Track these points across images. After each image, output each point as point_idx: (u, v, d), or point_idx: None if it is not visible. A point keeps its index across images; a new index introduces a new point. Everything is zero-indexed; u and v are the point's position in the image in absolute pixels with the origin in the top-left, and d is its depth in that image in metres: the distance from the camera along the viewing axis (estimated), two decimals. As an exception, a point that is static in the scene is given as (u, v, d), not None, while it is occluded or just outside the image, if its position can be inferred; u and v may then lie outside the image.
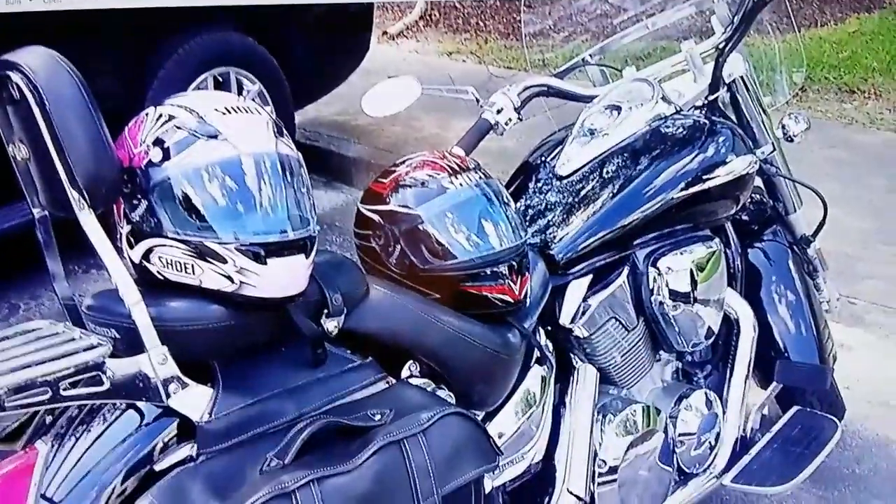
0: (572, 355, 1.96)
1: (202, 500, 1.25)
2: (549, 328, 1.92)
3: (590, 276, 1.95)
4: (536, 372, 1.86)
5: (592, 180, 1.98)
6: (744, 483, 2.17)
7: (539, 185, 2.02)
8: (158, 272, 1.36)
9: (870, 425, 2.87)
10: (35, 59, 1.30)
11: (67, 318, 1.41)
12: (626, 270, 1.98)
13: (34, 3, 3.17)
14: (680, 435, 2.08)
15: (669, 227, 2.03)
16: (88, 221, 1.29)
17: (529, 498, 1.89)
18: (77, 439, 1.31)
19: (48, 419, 1.37)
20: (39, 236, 1.42)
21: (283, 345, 1.46)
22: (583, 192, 1.97)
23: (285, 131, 1.44)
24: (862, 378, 3.04)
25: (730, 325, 2.24)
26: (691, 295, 2.00)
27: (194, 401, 1.32)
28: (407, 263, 1.68)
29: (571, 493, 1.89)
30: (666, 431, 2.03)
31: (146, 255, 1.35)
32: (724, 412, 2.19)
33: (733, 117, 2.30)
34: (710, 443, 2.15)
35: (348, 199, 4.68)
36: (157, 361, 1.27)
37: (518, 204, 1.96)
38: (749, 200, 2.29)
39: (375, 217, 1.72)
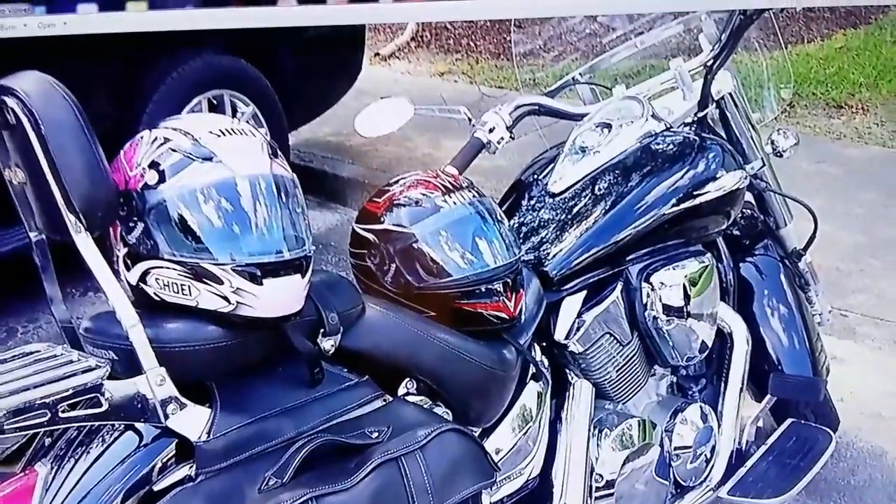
0: (568, 371, 1.96)
1: (201, 520, 1.25)
2: (545, 344, 1.93)
3: (584, 292, 1.96)
4: (532, 388, 1.86)
5: (585, 197, 1.99)
6: (740, 495, 2.18)
7: (532, 202, 2.04)
8: (155, 294, 1.37)
9: (864, 436, 2.87)
10: (30, 84, 1.31)
11: (65, 340, 1.42)
12: (619, 286, 1.99)
13: (28, 28, 3.18)
14: (676, 448, 2.08)
15: (662, 242, 2.04)
16: (85, 244, 1.29)
17: (527, 513, 1.90)
18: (76, 461, 1.31)
19: (47, 441, 1.37)
20: (36, 260, 1.43)
21: (280, 364, 1.47)
22: (575, 209, 1.98)
23: (280, 153, 1.45)
24: (855, 390, 3.05)
25: (723, 339, 2.25)
26: (685, 309, 2.02)
27: (192, 421, 1.33)
28: (402, 282, 1.69)
29: (569, 508, 1.89)
30: (662, 445, 2.04)
31: (143, 277, 1.36)
32: (719, 425, 2.19)
33: (723, 133, 2.32)
34: (705, 456, 2.15)
35: (343, 218, 4.68)
36: (155, 382, 1.28)
37: (511, 221, 1.97)
38: (740, 215, 2.30)
39: (370, 236, 1.73)
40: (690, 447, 2.10)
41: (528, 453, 1.85)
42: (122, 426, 1.33)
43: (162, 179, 1.34)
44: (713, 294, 2.11)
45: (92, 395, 1.23)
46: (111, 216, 1.35)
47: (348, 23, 4.75)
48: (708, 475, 2.19)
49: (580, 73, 2.39)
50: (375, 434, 1.43)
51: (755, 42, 2.48)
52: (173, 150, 1.35)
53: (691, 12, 2.38)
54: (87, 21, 3.39)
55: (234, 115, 4.08)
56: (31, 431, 1.28)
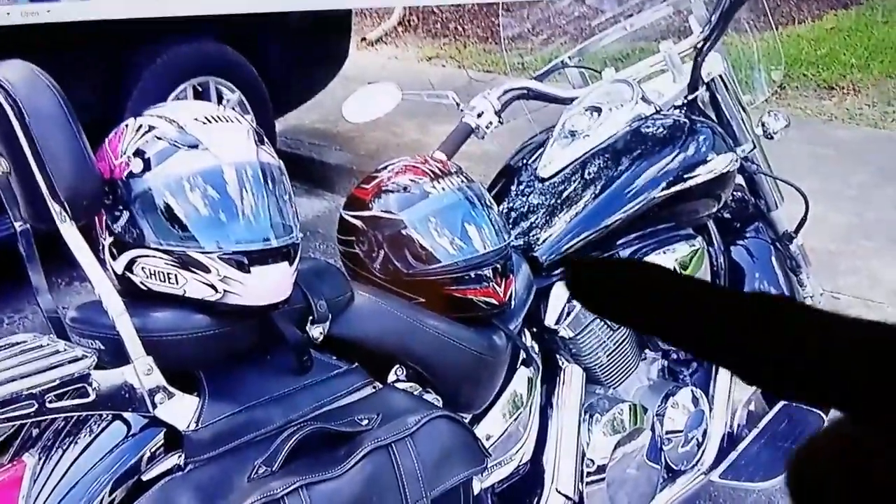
0: (558, 356, 1.96)
1: (191, 510, 1.25)
2: (535, 329, 1.93)
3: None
4: (523, 373, 1.86)
5: (574, 182, 1.98)
6: (732, 479, 2.19)
7: (521, 187, 2.03)
8: (142, 283, 1.36)
9: (855, 419, 2.88)
10: (14, 73, 1.30)
11: (52, 330, 1.41)
12: (609, 270, 1.99)
13: (11, 16, 3.16)
14: (667, 432, 2.08)
15: (652, 226, 2.04)
16: (70, 234, 1.28)
17: (518, 499, 1.90)
18: (64, 451, 1.31)
19: (34, 432, 1.36)
20: (21, 249, 1.42)
21: (269, 352, 1.46)
22: (565, 194, 1.97)
23: (266, 139, 1.44)
24: (846, 372, 3.05)
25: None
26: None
27: (181, 410, 1.32)
28: (391, 268, 1.68)
29: (560, 492, 1.89)
30: (653, 429, 2.04)
31: (129, 266, 1.35)
32: (710, 409, 2.20)
33: (713, 116, 2.31)
34: (697, 440, 2.16)
35: (331, 205, 4.68)
36: (142, 372, 1.27)
37: (501, 207, 1.96)
38: (731, 198, 2.30)
39: (358, 223, 1.72)
40: (682, 431, 2.11)
41: (518, 439, 1.85)
42: (110, 416, 1.33)
43: (147, 167, 1.33)
44: (704, 277, 2.11)
45: (79, 386, 1.22)
46: (96, 205, 1.34)
47: (335, 7, 4.75)
48: (700, 459, 2.19)
49: (569, 57, 2.38)
50: (365, 421, 1.43)
51: (745, 24, 2.47)
52: (158, 138, 1.35)
53: (681, -6, 2.37)
54: (71, 9, 3.37)
55: (219, 103, 4.07)
56: (19, 422, 1.28)
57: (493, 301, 1.71)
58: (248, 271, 1.33)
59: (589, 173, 1.99)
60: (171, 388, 1.31)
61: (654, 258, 2.00)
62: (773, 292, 2.38)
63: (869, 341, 0.27)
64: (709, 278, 2.15)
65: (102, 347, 1.31)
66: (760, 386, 0.29)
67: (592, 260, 0.33)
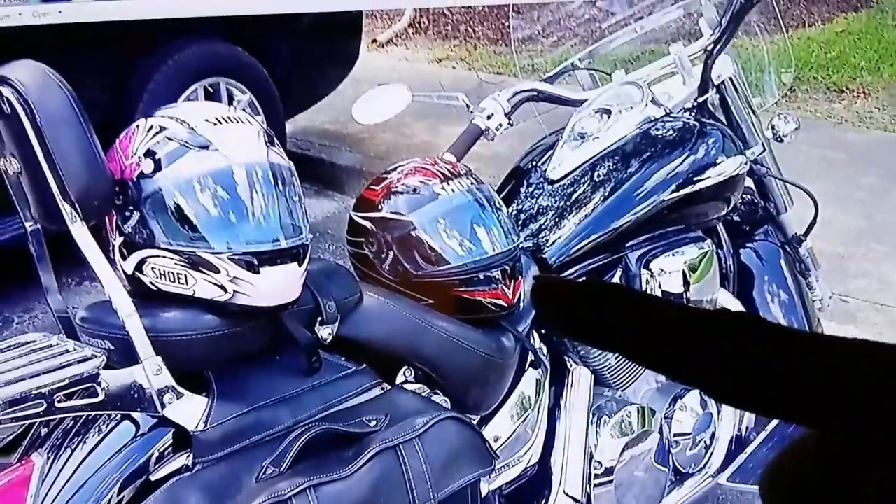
0: (566, 358, 1.96)
1: (199, 510, 1.25)
2: (543, 331, 1.93)
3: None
4: (531, 375, 1.86)
5: (584, 184, 1.98)
6: (740, 482, 2.18)
7: (531, 189, 2.03)
8: (151, 283, 1.36)
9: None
10: (25, 73, 1.30)
11: (61, 330, 1.42)
12: (618, 273, 1.99)
13: (23, 17, 3.17)
14: (675, 435, 2.08)
15: (661, 228, 2.03)
16: (81, 234, 1.29)
17: (526, 501, 1.90)
18: (72, 451, 1.31)
19: (43, 431, 1.37)
20: (32, 249, 1.42)
21: (278, 353, 1.47)
22: (574, 196, 1.97)
23: (276, 140, 1.44)
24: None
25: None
26: (684, 296, 2.01)
27: (189, 410, 1.33)
28: (400, 270, 1.69)
29: (568, 495, 1.89)
30: (661, 432, 2.04)
31: (139, 266, 1.36)
32: (718, 412, 2.19)
33: (723, 119, 2.31)
34: (705, 442, 2.15)
35: (340, 206, 4.68)
36: (151, 372, 1.27)
37: (510, 208, 1.96)
38: (740, 201, 2.29)
39: (368, 224, 1.72)
40: (690, 434, 2.10)
41: (526, 441, 1.85)
42: (119, 416, 1.33)
43: (158, 168, 1.33)
44: (713, 280, 2.11)
45: (88, 385, 1.22)
46: (107, 205, 1.34)
47: (345, 9, 4.75)
48: (707, 462, 2.19)
49: (579, 59, 2.38)
50: (373, 422, 1.43)
51: (756, 26, 2.47)
52: (169, 139, 1.35)
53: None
54: (82, 9, 3.38)
55: (230, 104, 4.07)
56: (28, 422, 1.28)
57: (502, 303, 1.71)
58: (258, 272, 1.34)
59: (598, 175, 1.98)
60: (179, 389, 1.31)
61: (664, 260, 2.00)
62: (782, 296, 2.38)
63: (833, 357, 0.28)
64: (718, 281, 2.14)
65: (112, 347, 1.31)
66: (726, 402, 0.30)
67: (559, 281, 0.33)
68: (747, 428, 2.29)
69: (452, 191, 1.70)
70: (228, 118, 1.40)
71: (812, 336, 0.29)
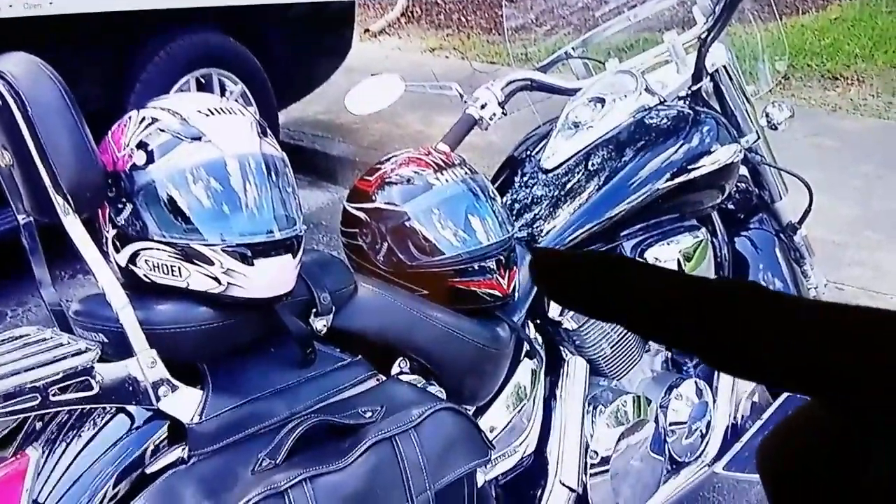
0: (562, 348, 1.96)
1: (194, 502, 1.25)
2: (538, 321, 1.93)
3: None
4: (526, 365, 1.86)
5: (578, 173, 1.98)
6: (735, 470, 2.18)
7: (525, 179, 2.02)
8: (145, 275, 1.36)
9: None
10: (17, 66, 1.29)
11: (55, 323, 1.41)
12: (613, 262, 1.98)
13: (14, 8, 3.15)
14: (671, 424, 2.08)
15: (656, 217, 2.03)
16: (73, 226, 1.28)
17: (522, 490, 1.90)
18: (68, 444, 1.31)
19: (38, 425, 1.36)
20: (25, 242, 1.42)
21: (273, 345, 1.46)
22: (569, 185, 1.97)
23: (269, 131, 1.44)
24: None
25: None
26: (679, 285, 2.01)
27: (184, 403, 1.32)
28: (394, 260, 1.68)
29: (564, 484, 1.89)
30: (657, 421, 2.04)
31: (132, 258, 1.35)
32: (714, 400, 2.20)
33: (717, 107, 2.31)
34: (700, 431, 2.16)
35: (334, 197, 4.67)
36: (146, 365, 1.27)
37: (504, 198, 1.96)
38: (735, 189, 2.29)
39: (362, 215, 1.72)
40: (685, 423, 2.11)
41: (522, 431, 1.85)
42: (114, 409, 1.33)
43: (150, 160, 1.33)
44: (708, 269, 2.11)
45: (83, 379, 1.22)
46: (99, 198, 1.34)
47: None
48: (703, 451, 2.19)
49: (573, 48, 2.37)
50: (369, 414, 1.43)
51: (749, 14, 2.46)
52: (161, 131, 1.34)
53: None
54: (73, 1, 3.36)
55: (222, 94, 4.06)
56: (22, 416, 1.28)
57: (497, 293, 1.71)
58: (252, 264, 1.33)
59: (592, 164, 1.98)
60: (174, 381, 1.31)
61: (658, 249, 2.00)
62: (777, 284, 2.38)
63: (835, 324, 0.27)
64: (713, 269, 2.14)
65: (106, 340, 1.31)
66: (725, 370, 0.29)
67: (557, 251, 0.33)
68: (743, 417, 2.29)
69: (446, 181, 1.70)
70: (221, 109, 1.40)
71: (812, 302, 0.28)
